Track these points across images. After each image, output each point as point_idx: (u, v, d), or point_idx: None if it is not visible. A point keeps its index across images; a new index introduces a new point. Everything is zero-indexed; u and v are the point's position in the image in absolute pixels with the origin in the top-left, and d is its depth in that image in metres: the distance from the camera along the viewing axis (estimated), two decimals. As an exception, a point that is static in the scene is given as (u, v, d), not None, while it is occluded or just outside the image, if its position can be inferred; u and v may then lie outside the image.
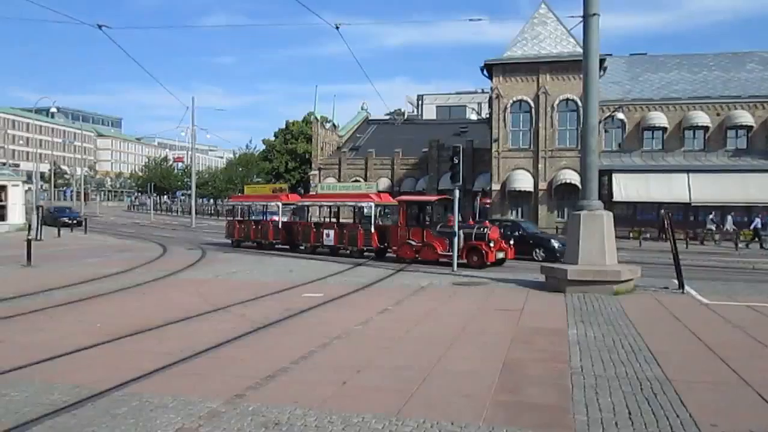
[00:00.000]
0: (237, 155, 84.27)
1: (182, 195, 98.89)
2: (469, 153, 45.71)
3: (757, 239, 32.02)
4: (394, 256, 22.37)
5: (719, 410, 5.77)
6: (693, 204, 36.35)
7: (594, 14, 14.17)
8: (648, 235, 34.27)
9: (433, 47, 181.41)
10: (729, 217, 33.94)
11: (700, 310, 11.54)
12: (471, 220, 28.57)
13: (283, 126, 68.65)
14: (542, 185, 40.37)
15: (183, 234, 38.28)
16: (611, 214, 14.22)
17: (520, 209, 40.91)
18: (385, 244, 23.36)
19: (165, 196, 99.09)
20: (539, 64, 40.60)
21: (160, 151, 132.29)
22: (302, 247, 25.50)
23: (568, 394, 6.22)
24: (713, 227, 33.85)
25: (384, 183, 49.88)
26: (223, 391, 6.26)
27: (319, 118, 58.13)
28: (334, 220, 26.78)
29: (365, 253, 23.37)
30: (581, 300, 12.25)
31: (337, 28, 20.39)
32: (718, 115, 40.09)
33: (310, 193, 26.31)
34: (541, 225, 35.65)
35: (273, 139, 69.37)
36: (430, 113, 76.54)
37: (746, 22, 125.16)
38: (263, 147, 71.85)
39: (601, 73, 39.16)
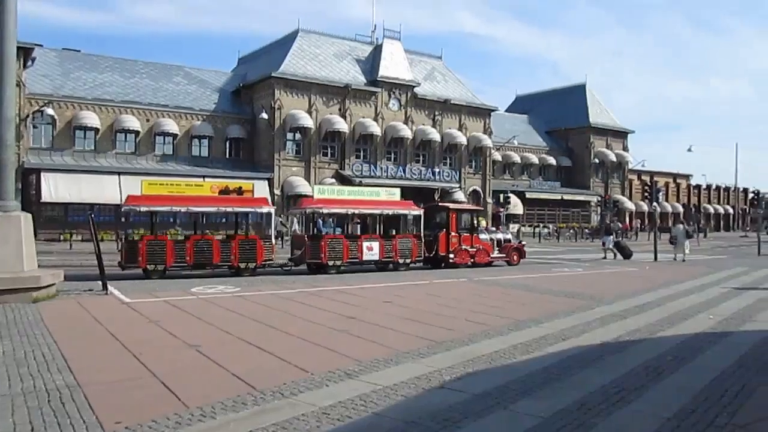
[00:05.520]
0: None
1: None
2: None
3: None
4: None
5: (126, 406, 5.89)
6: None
7: (9, -5, 12.90)
8: (80, 237, 33.61)
9: None
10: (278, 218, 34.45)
11: (121, 309, 11.79)
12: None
13: None
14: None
15: None
16: (30, 215, 13.20)
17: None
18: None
19: None
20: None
21: None
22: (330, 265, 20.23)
23: (-43, 424, 5.40)
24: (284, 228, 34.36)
25: None
26: None
27: None
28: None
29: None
30: (-7, 311, 10.98)
31: None
32: (148, 120, 42.40)
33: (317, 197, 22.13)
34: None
35: None
36: None
37: (170, 38, 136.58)
38: None
39: (30, 63, 36.59)
